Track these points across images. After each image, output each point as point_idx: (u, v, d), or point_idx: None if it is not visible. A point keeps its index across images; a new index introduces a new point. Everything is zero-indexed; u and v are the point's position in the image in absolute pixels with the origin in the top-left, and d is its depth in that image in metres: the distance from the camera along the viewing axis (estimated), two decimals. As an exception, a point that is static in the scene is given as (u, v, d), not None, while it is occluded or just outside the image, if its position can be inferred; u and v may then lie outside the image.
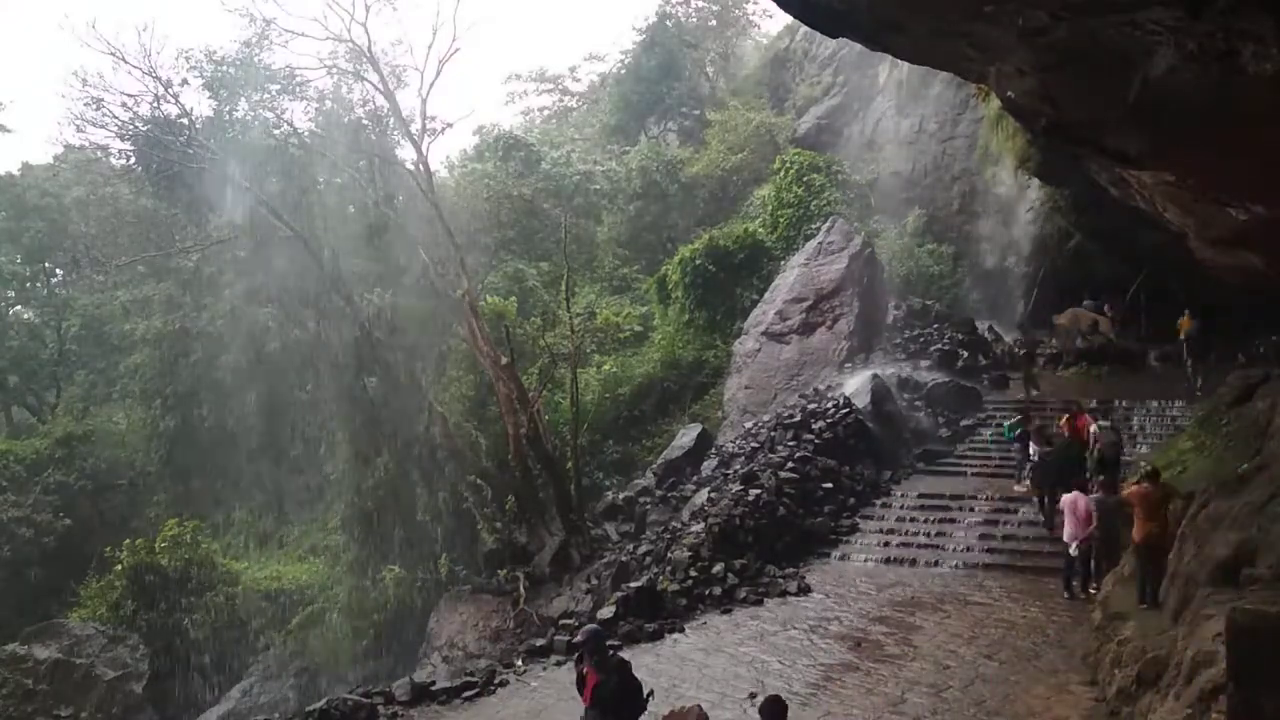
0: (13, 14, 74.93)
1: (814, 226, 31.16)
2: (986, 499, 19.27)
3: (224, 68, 29.65)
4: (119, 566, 25.12)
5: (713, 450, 24.83)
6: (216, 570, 26.09)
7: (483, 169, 37.43)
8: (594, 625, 10.75)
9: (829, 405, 22.91)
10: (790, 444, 21.60)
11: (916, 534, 18.64)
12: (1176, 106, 8.80)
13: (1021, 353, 26.11)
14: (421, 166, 28.20)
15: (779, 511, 19.22)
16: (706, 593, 16.91)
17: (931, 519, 19.05)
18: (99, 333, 37.72)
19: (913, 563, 17.72)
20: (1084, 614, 13.28)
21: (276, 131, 29.31)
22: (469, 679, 14.54)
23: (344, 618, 24.36)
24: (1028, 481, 18.56)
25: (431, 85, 30.21)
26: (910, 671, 12.48)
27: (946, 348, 26.63)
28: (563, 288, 28.15)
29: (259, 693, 23.82)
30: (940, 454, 22.29)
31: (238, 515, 30.28)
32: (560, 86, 60.66)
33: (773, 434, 22.56)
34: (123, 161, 32.51)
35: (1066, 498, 14.55)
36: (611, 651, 10.64)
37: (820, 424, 22.07)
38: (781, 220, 33.84)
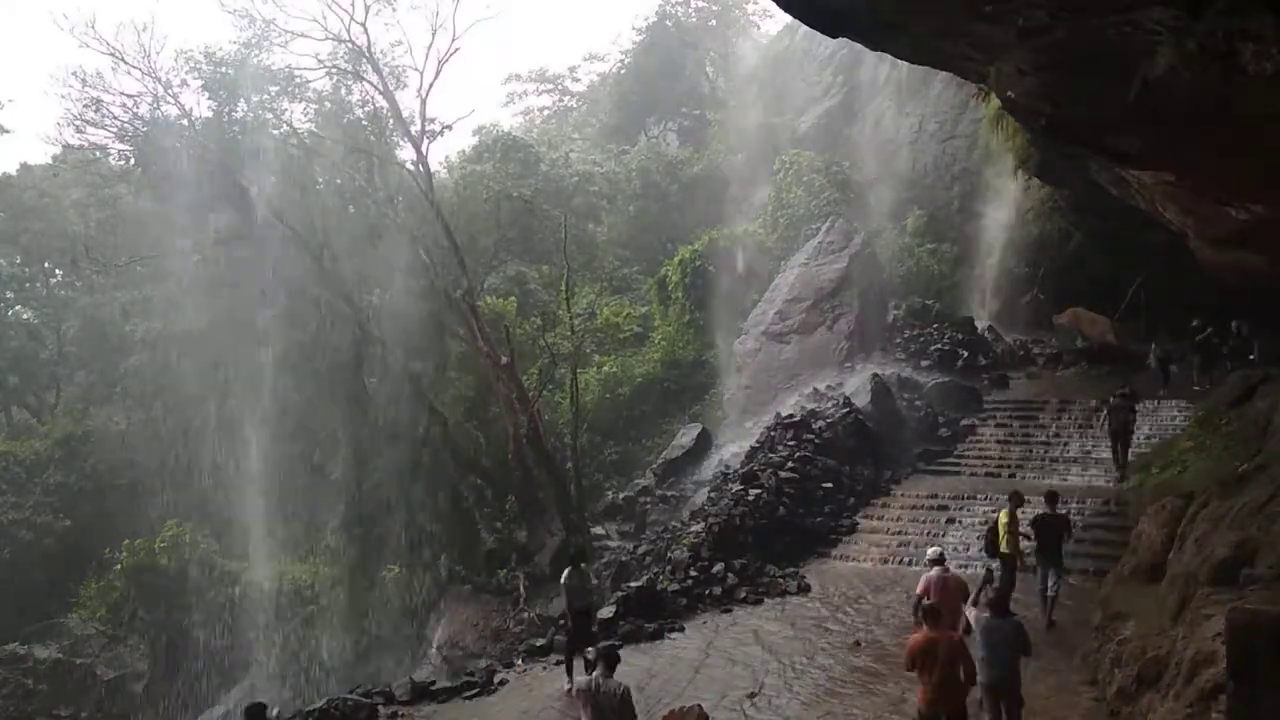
0: (11, 13, 74.96)
1: (814, 226, 31.18)
2: (986, 499, 19.24)
3: (223, 68, 29.68)
4: (119, 567, 25.18)
5: (713, 450, 24.83)
6: (216, 570, 26.11)
7: (482, 170, 37.37)
8: None
9: (829, 405, 22.93)
10: (790, 444, 21.57)
11: (916, 534, 18.62)
12: (1176, 106, 8.80)
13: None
14: (421, 167, 28.23)
15: (779, 511, 19.21)
16: (706, 592, 16.90)
17: (931, 519, 19.04)
18: (98, 333, 37.68)
19: (913, 563, 17.68)
20: (1084, 614, 13.25)
21: (276, 132, 29.35)
22: (469, 679, 14.54)
23: (344, 618, 24.38)
24: None
25: (431, 86, 30.03)
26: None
27: (946, 348, 26.60)
28: (562, 288, 28.16)
29: (259, 693, 23.80)
30: (940, 454, 22.24)
31: (237, 515, 30.28)
32: (560, 86, 60.83)
33: (773, 434, 22.54)
34: (122, 162, 32.54)
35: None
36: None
37: (820, 424, 22.07)
38: (781, 220, 33.83)
